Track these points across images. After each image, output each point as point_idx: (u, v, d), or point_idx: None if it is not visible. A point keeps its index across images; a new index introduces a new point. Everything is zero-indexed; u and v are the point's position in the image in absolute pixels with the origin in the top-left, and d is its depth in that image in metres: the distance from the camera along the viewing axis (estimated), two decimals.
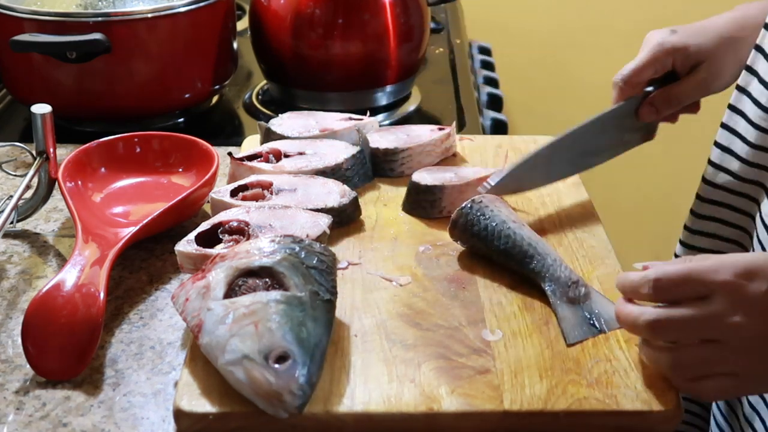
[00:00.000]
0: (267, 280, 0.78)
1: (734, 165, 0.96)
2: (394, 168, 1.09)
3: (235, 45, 1.42)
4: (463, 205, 0.94)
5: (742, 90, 0.96)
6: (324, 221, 0.93)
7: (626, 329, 0.77)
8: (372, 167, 1.09)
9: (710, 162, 1.00)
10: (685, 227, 1.04)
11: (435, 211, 1.01)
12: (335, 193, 0.99)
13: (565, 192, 1.06)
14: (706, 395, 0.76)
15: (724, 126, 0.98)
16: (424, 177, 1.03)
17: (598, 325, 0.83)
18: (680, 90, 1.03)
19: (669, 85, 1.03)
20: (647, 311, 0.74)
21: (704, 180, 1.01)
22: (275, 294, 0.76)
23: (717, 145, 0.99)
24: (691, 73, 1.02)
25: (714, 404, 1.02)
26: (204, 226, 0.91)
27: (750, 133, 0.94)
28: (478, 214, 0.92)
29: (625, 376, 0.77)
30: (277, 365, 0.71)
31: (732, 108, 0.98)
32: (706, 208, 1.01)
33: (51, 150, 1.02)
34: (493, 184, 0.98)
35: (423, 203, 1.01)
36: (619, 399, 0.75)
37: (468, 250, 0.94)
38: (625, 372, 0.78)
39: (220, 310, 0.75)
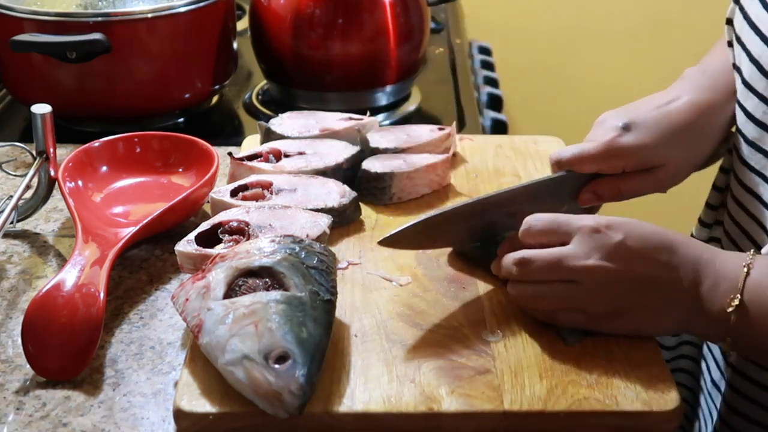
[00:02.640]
0: (267, 280, 0.78)
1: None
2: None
3: (235, 45, 1.42)
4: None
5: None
6: (324, 221, 0.93)
7: (504, 276, 0.84)
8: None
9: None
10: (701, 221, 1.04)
11: (386, 198, 1.03)
12: (335, 193, 0.99)
13: None
14: (559, 323, 0.82)
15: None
16: (374, 165, 1.04)
17: None
18: (631, 186, 0.93)
19: (618, 177, 0.93)
20: (518, 252, 0.82)
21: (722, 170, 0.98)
22: (275, 294, 0.76)
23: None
24: (647, 172, 0.92)
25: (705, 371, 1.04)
26: (204, 226, 0.91)
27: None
28: None
29: (625, 376, 0.77)
30: (277, 365, 0.71)
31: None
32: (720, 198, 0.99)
33: (51, 150, 1.02)
34: (390, 234, 0.88)
35: (374, 190, 1.03)
36: (619, 399, 0.75)
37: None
38: (625, 372, 0.78)
39: (220, 310, 0.75)
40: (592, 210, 0.96)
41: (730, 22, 0.93)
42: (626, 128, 0.91)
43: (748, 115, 0.89)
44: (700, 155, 0.94)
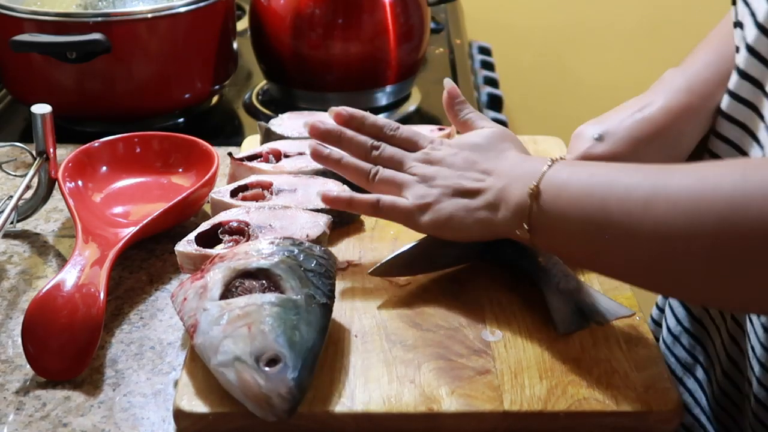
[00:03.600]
0: (264, 282, 0.77)
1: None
2: None
3: (235, 45, 1.42)
4: None
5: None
6: (324, 221, 0.93)
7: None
8: None
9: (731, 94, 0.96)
10: None
11: None
12: (335, 193, 0.99)
13: None
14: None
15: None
16: None
17: (591, 317, 0.83)
18: None
19: None
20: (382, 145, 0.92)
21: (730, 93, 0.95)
22: (270, 296, 0.75)
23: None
24: None
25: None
26: (204, 226, 0.91)
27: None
28: None
29: (625, 376, 0.77)
30: (267, 368, 0.71)
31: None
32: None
33: (51, 150, 1.02)
34: (381, 263, 0.89)
35: None
36: (619, 400, 0.75)
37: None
38: (625, 372, 0.78)
39: (215, 311, 0.75)
40: None
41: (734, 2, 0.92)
42: (600, 139, 0.92)
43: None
44: (676, 160, 0.93)
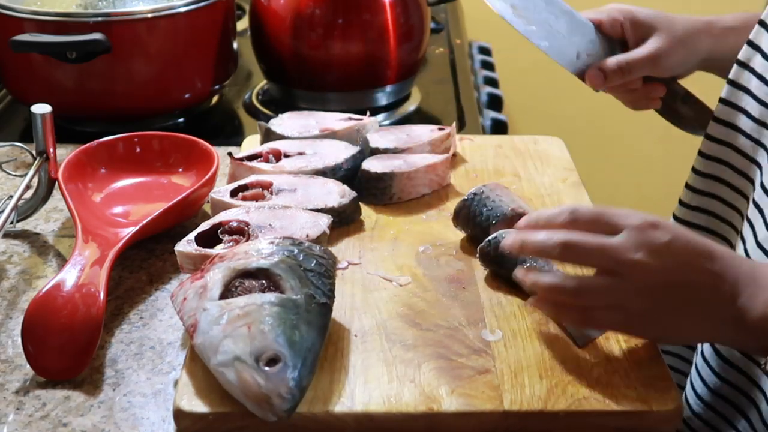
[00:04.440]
0: (263, 281, 0.77)
1: (736, 139, 0.94)
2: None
3: (235, 45, 1.42)
4: (466, 196, 0.96)
5: (743, 65, 0.94)
6: (324, 221, 0.93)
7: (533, 252, 0.80)
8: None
9: (708, 137, 0.98)
10: (680, 202, 1.04)
11: (386, 198, 1.03)
12: (335, 193, 0.99)
13: (565, 192, 1.07)
14: (596, 323, 0.80)
15: (723, 101, 0.96)
16: (374, 165, 1.04)
17: None
18: (630, 59, 1.04)
19: (619, 53, 1.05)
20: (559, 232, 0.78)
21: (700, 153, 0.99)
22: (270, 296, 0.75)
23: (716, 120, 0.97)
24: (641, 44, 1.05)
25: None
26: (204, 226, 0.91)
27: (754, 109, 0.92)
28: (480, 205, 0.94)
29: (625, 376, 0.77)
30: (267, 368, 0.71)
31: (733, 83, 0.95)
32: (701, 182, 0.99)
33: (51, 150, 1.02)
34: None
35: (373, 190, 1.03)
36: (619, 399, 0.75)
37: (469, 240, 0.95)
38: (625, 372, 0.78)
39: (215, 311, 0.75)
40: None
41: None
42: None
43: None
44: (691, 51, 1.04)
